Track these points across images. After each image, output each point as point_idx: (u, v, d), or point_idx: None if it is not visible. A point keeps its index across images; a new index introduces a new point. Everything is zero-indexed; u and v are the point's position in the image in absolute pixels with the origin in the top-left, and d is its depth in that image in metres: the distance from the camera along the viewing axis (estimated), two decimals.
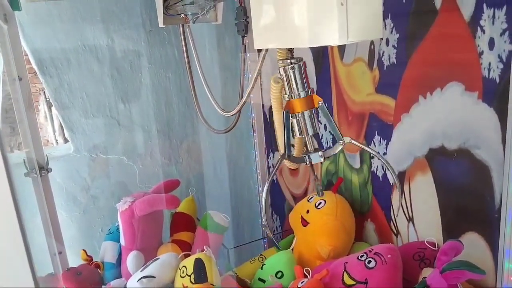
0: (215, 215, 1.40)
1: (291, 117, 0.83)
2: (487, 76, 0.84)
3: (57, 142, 3.71)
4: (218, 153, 1.90)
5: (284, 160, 0.86)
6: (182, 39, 1.52)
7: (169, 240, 1.46)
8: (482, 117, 0.87)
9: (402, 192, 1.11)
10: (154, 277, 1.11)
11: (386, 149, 1.14)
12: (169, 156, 1.81)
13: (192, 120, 1.81)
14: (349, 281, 0.98)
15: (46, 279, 1.40)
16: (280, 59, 0.86)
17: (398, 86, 1.06)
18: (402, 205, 1.12)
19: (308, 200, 1.29)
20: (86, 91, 1.61)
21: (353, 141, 0.84)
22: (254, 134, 1.83)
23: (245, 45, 1.68)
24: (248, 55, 1.74)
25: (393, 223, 1.17)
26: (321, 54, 1.34)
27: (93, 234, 1.72)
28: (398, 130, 1.09)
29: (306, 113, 0.81)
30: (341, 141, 0.83)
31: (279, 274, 1.19)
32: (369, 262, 0.97)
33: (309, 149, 0.86)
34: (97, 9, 1.58)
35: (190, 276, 1.06)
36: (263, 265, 1.25)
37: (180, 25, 1.49)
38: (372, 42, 1.13)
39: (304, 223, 1.25)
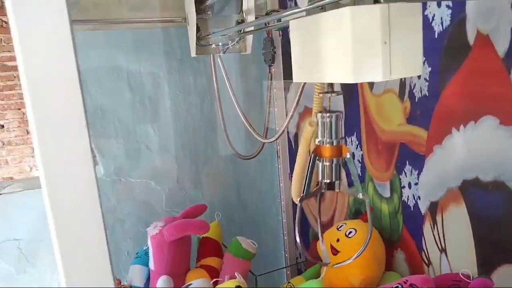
0: (243, 241, 1.42)
1: (317, 160, 0.87)
2: None
3: None
4: (242, 179, 1.92)
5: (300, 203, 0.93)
6: (213, 68, 1.57)
7: (196, 265, 1.47)
8: None
9: (435, 223, 1.12)
10: None
11: (418, 179, 1.15)
12: (195, 181, 1.84)
13: (218, 146, 1.84)
14: None
15: None
16: (319, 92, 0.88)
17: (430, 117, 1.08)
18: (434, 236, 1.13)
19: (338, 229, 1.29)
20: (118, 116, 1.66)
21: (366, 202, 0.88)
22: (279, 160, 1.85)
23: (271, 74, 1.73)
24: (274, 83, 1.79)
25: (425, 254, 1.17)
26: (349, 84, 1.37)
27: (119, 257, 1.73)
28: (430, 161, 1.10)
29: (334, 160, 0.85)
30: (361, 194, 0.88)
31: None
32: None
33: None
34: (130, 39, 1.64)
35: None
36: None
37: (211, 55, 1.54)
38: None
39: (334, 252, 1.25)
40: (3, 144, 5.55)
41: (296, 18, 0.80)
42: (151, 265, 1.42)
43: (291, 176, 1.83)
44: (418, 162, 1.14)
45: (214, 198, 1.85)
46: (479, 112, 0.95)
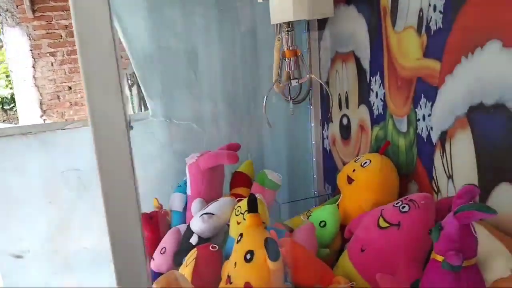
0: (269, 173, 1.55)
1: (284, 60, 1.59)
2: None
3: None
4: (275, 122, 2.02)
5: (274, 85, 1.72)
6: None
7: (228, 193, 1.63)
8: None
9: (444, 151, 1.17)
10: (214, 214, 1.28)
11: (431, 110, 1.20)
12: (232, 124, 1.98)
13: (255, 93, 1.97)
14: (383, 224, 1.07)
15: None
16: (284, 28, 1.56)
17: (443, 49, 1.13)
18: (443, 164, 1.18)
19: (355, 161, 1.38)
20: (164, 62, 1.84)
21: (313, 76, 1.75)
22: (311, 107, 1.94)
23: (308, 25, 1.81)
24: (310, 33, 1.86)
25: (435, 182, 1.23)
26: (374, 25, 1.42)
27: (165, 188, 1.93)
28: (442, 92, 1.15)
29: (292, 59, 1.57)
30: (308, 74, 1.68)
31: (322, 223, 1.30)
32: (403, 207, 1.06)
33: (290, 78, 1.67)
34: None
35: (243, 214, 1.22)
36: (308, 216, 1.37)
37: None
38: (421, 10, 1.20)
39: (350, 180, 1.35)
40: (71, 104, 6.04)
41: None
42: (188, 191, 1.60)
43: (322, 122, 1.93)
44: (432, 94, 1.19)
45: (250, 140, 1.98)
46: (485, 37, 0.99)
